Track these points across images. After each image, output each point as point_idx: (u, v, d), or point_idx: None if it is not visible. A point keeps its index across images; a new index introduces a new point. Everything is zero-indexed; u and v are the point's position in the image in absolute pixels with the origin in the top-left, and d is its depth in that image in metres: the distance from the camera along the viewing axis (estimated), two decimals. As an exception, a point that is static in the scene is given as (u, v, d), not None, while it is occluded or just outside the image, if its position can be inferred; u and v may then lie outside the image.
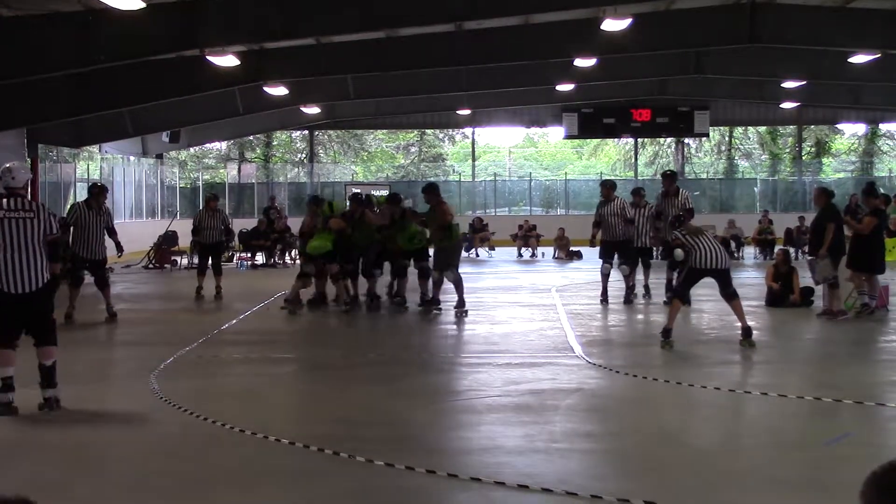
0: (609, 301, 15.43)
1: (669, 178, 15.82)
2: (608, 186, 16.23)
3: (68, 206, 17.38)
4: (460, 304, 14.14)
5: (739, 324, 11.08)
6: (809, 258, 14.22)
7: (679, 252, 11.22)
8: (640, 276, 16.07)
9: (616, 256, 15.77)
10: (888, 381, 9.56)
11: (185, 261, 26.11)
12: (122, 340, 12.67)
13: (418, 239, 14.80)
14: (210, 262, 17.45)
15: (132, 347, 12.05)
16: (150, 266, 25.49)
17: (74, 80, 21.47)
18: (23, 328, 8.04)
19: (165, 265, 25.67)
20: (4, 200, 8.05)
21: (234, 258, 27.62)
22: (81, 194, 29.45)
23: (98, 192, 14.15)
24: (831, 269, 13.44)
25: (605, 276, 15.78)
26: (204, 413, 7.72)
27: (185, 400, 8.26)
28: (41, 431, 7.39)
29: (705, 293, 13.41)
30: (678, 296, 11.34)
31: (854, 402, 8.02)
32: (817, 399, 8.16)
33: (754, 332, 11.12)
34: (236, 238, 26.41)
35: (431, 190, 14.67)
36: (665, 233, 14.32)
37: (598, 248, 16.19)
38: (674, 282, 14.16)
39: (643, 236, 15.89)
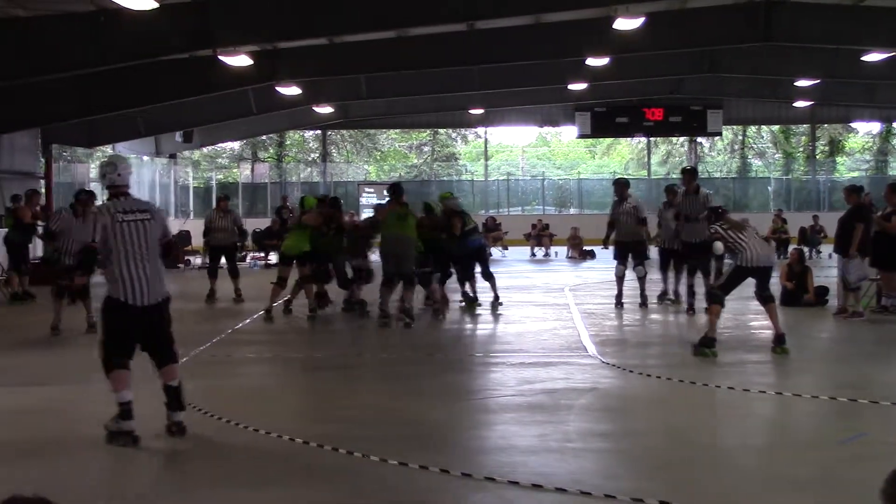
0: (624, 305, 14.91)
1: (690, 174, 14.85)
2: (622, 185, 15.51)
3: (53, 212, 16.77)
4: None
5: (773, 330, 10.67)
6: (843, 258, 13.75)
7: (718, 245, 10.73)
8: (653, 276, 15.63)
9: (630, 258, 14.94)
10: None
11: (198, 260, 26.17)
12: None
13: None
14: (226, 264, 17.01)
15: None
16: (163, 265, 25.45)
17: (88, 81, 21.52)
18: (138, 344, 7.20)
19: (178, 265, 25.70)
20: (117, 202, 7.17)
21: (248, 258, 27.67)
22: (96, 194, 29.58)
23: (86, 199, 13.48)
24: (865, 269, 13.45)
25: (620, 279, 15.09)
26: (217, 412, 7.73)
27: (199, 399, 8.26)
28: (53, 431, 7.39)
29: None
30: (718, 299, 10.56)
31: (869, 401, 7.99)
32: (832, 398, 8.13)
33: (769, 331, 11.07)
34: (250, 238, 26.40)
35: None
36: (683, 234, 14.11)
37: (611, 250, 15.61)
38: (694, 286, 14.07)
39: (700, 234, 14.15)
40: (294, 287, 14.71)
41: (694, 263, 13.99)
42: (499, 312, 14.55)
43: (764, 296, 10.68)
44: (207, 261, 17.93)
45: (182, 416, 7.08)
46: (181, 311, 15.23)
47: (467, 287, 15.23)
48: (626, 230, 14.91)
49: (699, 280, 14.00)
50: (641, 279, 14.99)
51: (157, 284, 7.13)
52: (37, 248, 19.92)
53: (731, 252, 10.67)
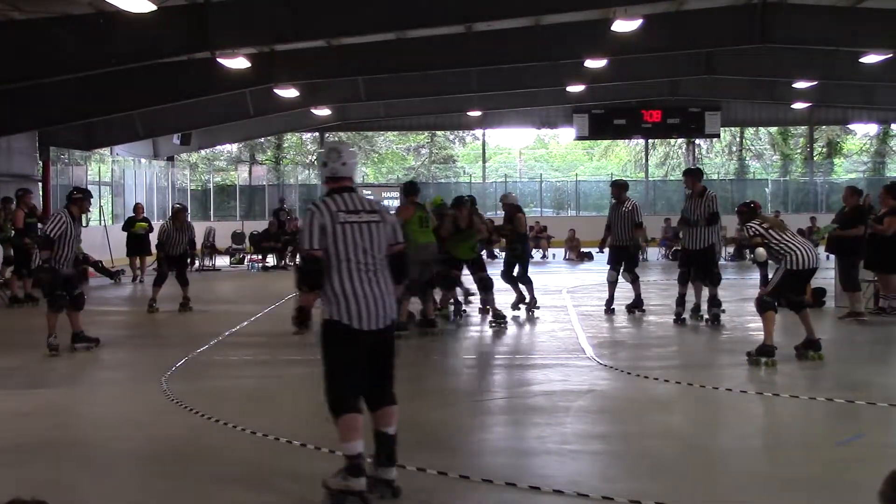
0: (615, 311, 14.36)
1: (694, 175, 13.72)
2: (618, 187, 14.91)
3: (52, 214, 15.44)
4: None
5: (806, 335, 10.30)
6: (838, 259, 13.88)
7: (762, 252, 10.10)
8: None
9: (623, 264, 14.39)
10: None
11: (196, 263, 26.19)
12: (134, 343, 12.69)
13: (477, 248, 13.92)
14: (175, 275, 15.98)
15: (144, 349, 12.06)
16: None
17: (85, 83, 21.50)
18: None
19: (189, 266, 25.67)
20: (338, 198, 5.83)
21: (246, 260, 27.73)
22: (93, 197, 29.54)
23: (82, 198, 11.99)
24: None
25: (612, 284, 14.52)
26: (215, 415, 7.73)
27: (197, 402, 8.28)
28: (53, 433, 7.39)
29: (721, 295, 13.36)
30: (770, 306, 10.00)
31: (867, 402, 8.00)
32: (829, 400, 8.14)
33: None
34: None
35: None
36: (684, 239, 13.57)
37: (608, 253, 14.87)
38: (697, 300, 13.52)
39: (701, 240, 13.19)
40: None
41: (711, 273, 13.06)
42: (491, 320, 13.42)
43: (799, 301, 10.30)
44: (158, 269, 16.49)
45: (395, 474, 5.75)
46: (180, 313, 15.31)
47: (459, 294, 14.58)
48: (620, 234, 14.37)
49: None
50: (633, 283, 14.43)
51: (388, 303, 5.83)
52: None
53: (774, 257, 10.11)
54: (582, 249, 29.00)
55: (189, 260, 16.91)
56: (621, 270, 14.41)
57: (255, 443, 6.98)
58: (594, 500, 5.47)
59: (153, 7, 15.15)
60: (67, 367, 10.51)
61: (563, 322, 13.68)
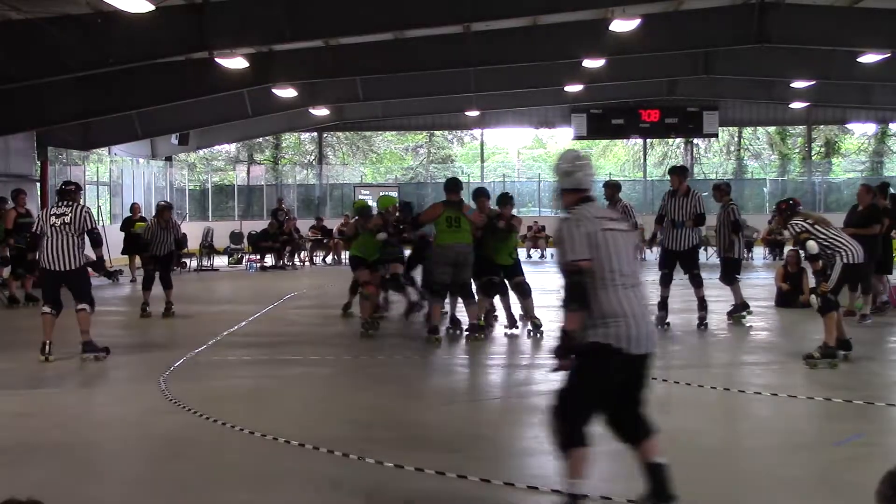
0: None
1: (679, 173, 13.30)
2: (610, 187, 14.26)
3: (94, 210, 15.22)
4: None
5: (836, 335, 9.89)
6: None
7: (813, 244, 9.62)
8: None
9: None
10: (898, 382, 9.54)
11: (194, 263, 26.24)
12: (132, 343, 12.68)
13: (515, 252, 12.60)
14: (159, 276, 15.39)
15: (143, 350, 12.05)
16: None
17: (84, 83, 21.50)
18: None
19: (175, 267, 25.69)
20: (590, 207, 5.22)
21: (244, 260, 27.75)
22: (90, 196, 29.55)
23: (74, 189, 11.51)
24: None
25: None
26: (214, 415, 7.73)
27: (195, 402, 8.28)
28: (51, 433, 7.39)
29: (713, 294, 13.37)
30: (833, 304, 9.72)
31: (864, 402, 8.00)
32: (827, 399, 8.14)
33: (764, 332, 11.09)
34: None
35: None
36: (667, 240, 12.90)
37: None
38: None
39: (685, 241, 12.85)
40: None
41: (694, 274, 12.72)
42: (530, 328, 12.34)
43: (835, 301, 9.85)
44: (143, 272, 15.99)
45: None
46: (178, 313, 15.30)
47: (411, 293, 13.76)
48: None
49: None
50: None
51: (651, 324, 5.36)
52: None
53: (823, 253, 9.66)
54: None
55: (176, 260, 16.30)
56: None
57: (253, 443, 6.98)
58: (592, 500, 5.47)
59: (151, 7, 15.15)
60: (65, 368, 10.49)
61: (560, 322, 13.64)
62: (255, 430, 7.21)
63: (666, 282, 12.89)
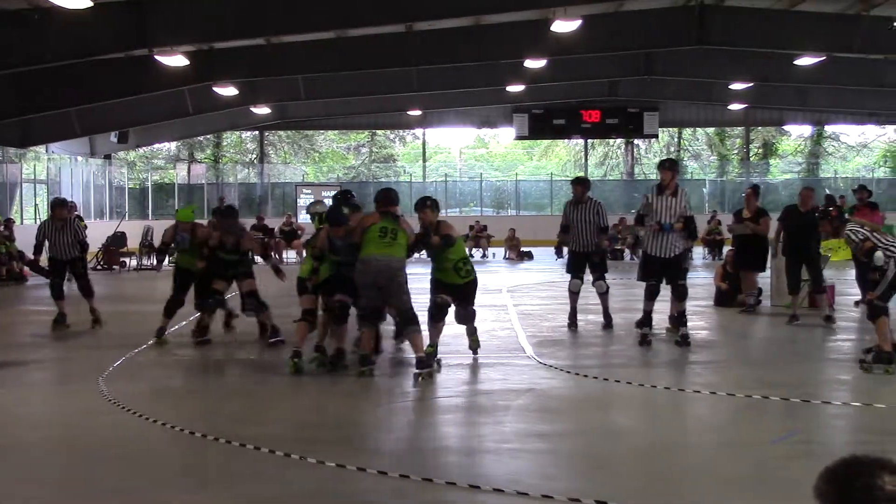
0: (577, 328, 12.77)
1: (671, 167, 11.75)
2: (580, 184, 12.86)
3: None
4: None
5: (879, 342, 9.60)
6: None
7: (880, 255, 9.21)
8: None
9: (589, 271, 12.70)
10: (834, 380, 9.67)
11: (133, 262, 25.98)
12: (71, 343, 12.52)
13: (467, 269, 10.31)
14: (77, 285, 13.90)
15: (81, 350, 11.91)
16: (99, 267, 25.29)
17: (22, 79, 21.24)
18: None
19: (114, 266, 25.48)
20: None
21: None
22: (27, 195, 29.15)
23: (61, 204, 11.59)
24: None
25: (574, 294, 12.84)
26: (154, 415, 7.65)
27: (135, 402, 8.20)
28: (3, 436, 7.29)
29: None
30: (882, 310, 9.41)
31: (801, 400, 8.11)
32: (765, 398, 8.24)
33: (703, 331, 11.20)
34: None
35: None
36: (650, 245, 11.50)
37: (562, 255, 13.90)
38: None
39: (673, 247, 11.50)
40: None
41: (679, 285, 11.42)
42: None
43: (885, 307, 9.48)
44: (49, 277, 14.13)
45: None
46: (118, 312, 15.14)
47: None
48: (584, 239, 12.55)
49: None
50: (603, 295, 12.79)
51: None
52: None
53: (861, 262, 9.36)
54: (522, 249, 29.14)
55: (83, 266, 14.02)
56: (595, 280, 12.71)
57: (194, 443, 6.93)
58: (534, 499, 5.49)
59: (90, 3, 14.99)
60: (1, 368, 10.34)
61: (503, 321, 13.71)
62: (196, 430, 7.16)
63: (653, 294, 11.51)
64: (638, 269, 12.27)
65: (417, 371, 9.24)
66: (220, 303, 11.88)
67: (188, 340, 12.02)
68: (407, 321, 9.59)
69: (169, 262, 13.14)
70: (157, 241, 27.64)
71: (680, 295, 11.40)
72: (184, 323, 13.70)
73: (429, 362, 9.47)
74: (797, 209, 13.69)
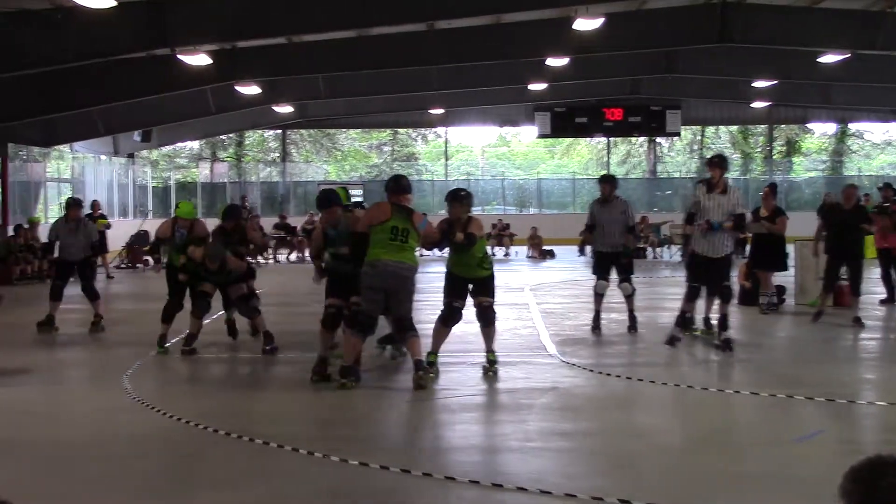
0: (606, 331, 12.47)
1: (720, 165, 11.01)
2: (608, 182, 12.57)
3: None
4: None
5: None
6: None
7: None
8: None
9: (616, 272, 12.38)
10: (859, 379, 9.64)
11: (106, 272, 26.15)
12: (95, 341, 12.58)
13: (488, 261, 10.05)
14: (81, 287, 13.48)
15: (106, 348, 11.97)
16: (123, 266, 25.41)
17: (45, 79, 21.32)
18: None
19: (138, 265, 25.60)
20: None
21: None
22: (51, 194, 29.32)
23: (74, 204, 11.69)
24: None
25: (600, 297, 12.52)
26: (177, 413, 7.69)
27: (159, 400, 8.24)
28: (14, 432, 7.33)
29: (677, 293, 13.44)
30: None
31: (826, 399, 8.08)
32: (789, 397, 8.20)
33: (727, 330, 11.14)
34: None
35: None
36: (700, 245, 10.92)
37: (584, 253, 13.77)
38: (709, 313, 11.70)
39: (722, 247, 10.94)
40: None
41: (724, 287, 10.95)
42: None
43: None
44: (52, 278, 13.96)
45: None
46: (141, 310, 15.20)
47: None
48: (610, 239, 12.25)
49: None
50: (629, 298, 12.41)
51: None
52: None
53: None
54: (544, 247, 29.12)
55: (92, 268, 13.82)
56: (620, 282, 12.37)
57: (218, 441, 6.95)
58: (557, 497, 5.49)
59: (113, 3, 15.04)
60: (25, 366, 10.40)
61: (525, 320, 13.71)
62: (219, 427, 7.18)
63: (695, 296, 11.13)
64: (686, 270, 11.60)
65: (416, 374, 8.81)
66: (208, 305, 11.35)
67: (211, 339, 12.06)
68: (407, 328, 9.01)
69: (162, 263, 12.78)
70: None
71: (725, 297, 10.90)
72: (207, 321, 13.73)
73: (426, 367, 8.99)
74: (840, 206, 13.48)
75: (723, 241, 10.79)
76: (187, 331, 11.18)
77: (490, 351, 9.78)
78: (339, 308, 9.34)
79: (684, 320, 11.19)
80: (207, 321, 13.41)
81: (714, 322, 11.49)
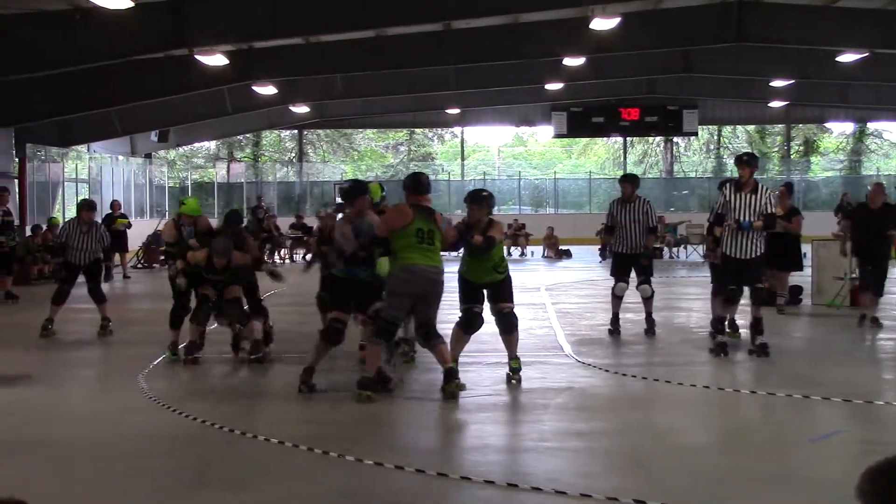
0: (621, 331, 12.17)
1: (748, 164, 10.60)
2: (629, 182, 12.18)
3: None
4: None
5: None
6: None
7: None
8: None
9: (634, 273, 12.06)
10: (877, 379, 9.60)
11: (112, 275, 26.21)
12: (111, 340, 12.61)
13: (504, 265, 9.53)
14: (88, 290, 13.09)
15: (122, 347, 12.00)
16: (140, 265, 25.49)
17: (63, 80, 21.43)
18: None
19: (155, 265, 25.66)
20: None
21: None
22: (69, 194, 29.44)
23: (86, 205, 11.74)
24: None
25: (619, 299, 12.16)
26: (193, 413, 7.70)
27: (174, 399, 8.25)
28: (29, 431, 7.35)
29: (694, 293, 13.41)
30: None
31: (843, 399, 8.04)
32: (806, 397, 8.17)
33: (745, 330, 11.12)
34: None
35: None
36: (729, 246, 10.52)
37: (607, 257, 13.49)
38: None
39: (754, 248, 10.58)
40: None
41: (757, 289, 10.58)
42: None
43: None
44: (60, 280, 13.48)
45: None
46: (158, 310, 15.20)
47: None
48: (631, 240, 11.93)
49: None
50: (647, 300, 12.06)
51: None
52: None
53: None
54: (560, 247, 29.09)
55: (106, 273, 13.30)
56: (639, 283, 12.03)
57: (233, 441, 6.96)
58: (572, 498, 5.48)
59: (130, 4, 15.11)
60: (41, 365, 10.44)
61: (541, 320, 13.70)
62: (235, 427, 7.19)
63: (734, 298, 10.84)
64: (712, 272, 11.43)
65: (448, 384, 8.36)
66: (209, 312, 10.93)
67: (225, 338, 12.07)
68: (433, 335, 8.51)
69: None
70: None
71: (758, 299, 10.50)
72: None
73: (455, 373, 8.48)
74: (866, 206, 13.19)
75: (753, 241, 10.45)
76: (189, 339, 10.81)
77: (514, 358, 9.26)
78: (345, 324, 8.90)
79: (721, 326, 10.89)
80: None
81: (739, 324, 11.37)
